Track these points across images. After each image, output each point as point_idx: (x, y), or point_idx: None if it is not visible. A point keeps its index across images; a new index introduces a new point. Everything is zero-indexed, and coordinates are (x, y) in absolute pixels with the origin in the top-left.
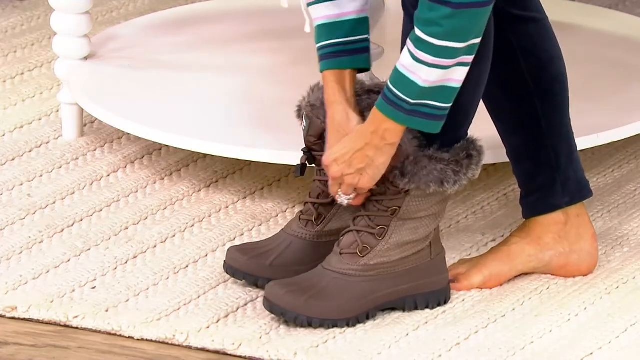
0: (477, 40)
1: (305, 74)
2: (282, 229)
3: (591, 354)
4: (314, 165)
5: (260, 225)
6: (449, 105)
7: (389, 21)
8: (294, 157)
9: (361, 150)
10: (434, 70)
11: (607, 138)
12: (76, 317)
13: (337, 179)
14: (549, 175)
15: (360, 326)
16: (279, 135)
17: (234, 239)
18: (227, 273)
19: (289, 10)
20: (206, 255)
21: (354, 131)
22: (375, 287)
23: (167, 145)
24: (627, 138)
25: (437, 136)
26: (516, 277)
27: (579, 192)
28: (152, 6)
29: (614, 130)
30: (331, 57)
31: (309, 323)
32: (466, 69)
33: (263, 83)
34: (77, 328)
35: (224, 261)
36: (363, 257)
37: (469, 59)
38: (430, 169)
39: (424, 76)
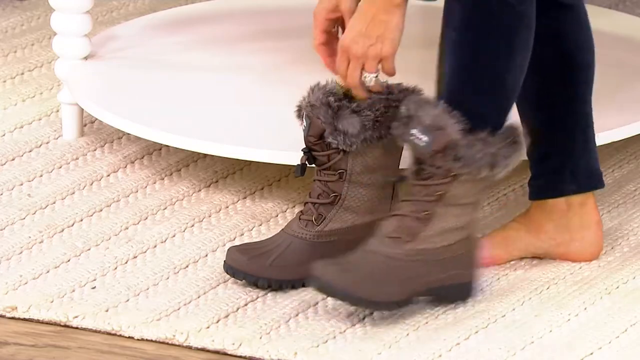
0: None
1: (305, 74)
2: (282, 229)
3: (591, 354)
4: (314, 165)
5: (261, 225)
6: None
7: None
8: (294, 157)
9: (373, 19)
10: None
11: (607, 138)
12: (76, 317)
13: (360, 57)
14: (561, 160)
15: (359, 326)
16: (279, 135)
17: (234, 239)
18: (227, 273)
19: (289, 10)
20: (206, 255)
21: (357, 10)
22: (420, 272)
23: (167, 145)
24: (627, 138)
25: (487, 119)
26: (515, 277)
27: (587, 182)
28: (152, 6)
29: (614, 130)
30: None
31: (357, 303)
32: None
33: (263, 83)
34: (77, 328)
35: (224, 261)
36: (408, 242)
37: None
38: (485, 153)
39: None
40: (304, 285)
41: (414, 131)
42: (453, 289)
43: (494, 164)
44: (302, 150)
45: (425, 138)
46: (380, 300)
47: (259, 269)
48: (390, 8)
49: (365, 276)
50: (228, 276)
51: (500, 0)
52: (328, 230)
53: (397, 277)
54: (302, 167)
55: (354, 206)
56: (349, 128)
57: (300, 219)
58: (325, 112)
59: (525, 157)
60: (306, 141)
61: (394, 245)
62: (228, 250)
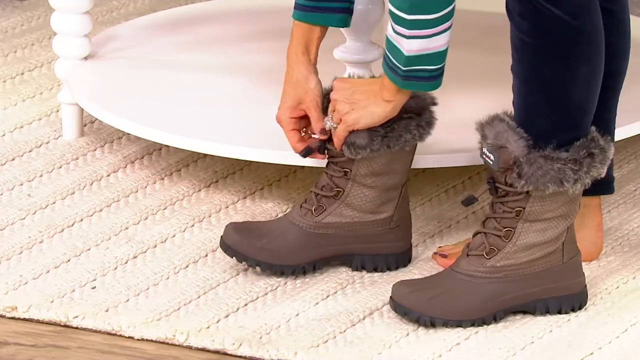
0: (450, 9)
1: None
2: (285, 214)
3: (591, 354)
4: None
5: None
6: (442, 64)
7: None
8: (293, 157)
9: (365, 92)
10: (413, 40)
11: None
12: (76, 317)
13: (334, 102)
14: None
15: (359, 326)
16: (279, 136)
17: None
18: (221, 247)
19: (288, 11)
20: (206, 255)
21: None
22: (502, 290)
23: (167, 145)
24: (626, 138)
25: (553, 135)
26: None
27: (598, 187)
28: (152, 6)
29: (614, 131)
30: (304, 9)
31: (432, 323)
32: (449, 33)
33: (263, 83)
34: (77, 328)
35: (221, 236)
36: (489, 258)
37: (448, 24)
38: (547, 169)
39: (406, 46)
40: (293, 274)
41: (484, 150)
42: (556, 302)
43: (561, 179)
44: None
45: (492, 157)
46: (456, 318)
47: (249, 249)
48: (379, 99)
49: (441, 295)
50: (228, 276)
51: (554, 18)
52: (325, 223)
53: (477, 295)
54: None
55: (355, 204)
56: (356, 140)
57: (301, 207)
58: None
59: (604, 171)
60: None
61: (477, 262)
62: (226, 226)
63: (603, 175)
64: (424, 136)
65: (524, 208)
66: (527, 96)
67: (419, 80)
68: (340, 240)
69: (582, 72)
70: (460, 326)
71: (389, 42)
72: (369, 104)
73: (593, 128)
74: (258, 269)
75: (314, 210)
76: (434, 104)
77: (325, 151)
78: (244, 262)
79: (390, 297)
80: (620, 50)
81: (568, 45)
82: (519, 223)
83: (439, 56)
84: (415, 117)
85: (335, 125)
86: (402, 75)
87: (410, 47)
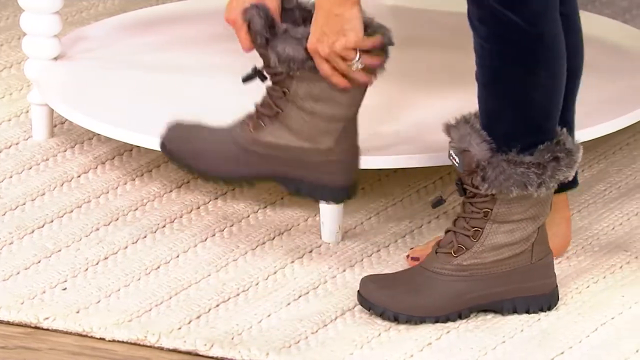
0: None
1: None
2: (226, 128)
3: (562, 353)
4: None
5: (232, 225)
6: None
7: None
8: None
9: (327, 17)
10: None
11: (576, 138)
12: (47, 318)
13: (331, 54)
14: None
15: (331, 326)
16: None
17: (206, 239)
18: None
19: None
20: (177, 256)
21: (315, 9)
22: (468, 288)
23: (138, 146)
24: (596, 138)
25: (515, 139)
26: None
27: (563, 183)
28: (122, 6)
29: (584, 131)
30: None
31: (396, 318)
32: None
33: (234, 84)
34: (47, 329)
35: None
36: (457, 257)
37: None
38: (510, 173)
39: None
40: (248, 183)
41: (451, 152)
42: (523, 302)
43: (525, 183)
44: (252, 68)
45: (457, 159)
46: (420, 315)
47: (193, 157)
48: (342, 1)
49: (407, 291)
50: (200, 277)
51: (511, 25)
52: (262, 142)
53: (443, 292)
54: (248, 76)
55: (292, 127)
56: (294, 54)
57: (242, 120)
58: (257, 14)
59: (571, 174)
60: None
61: (444, 260)
62: (168, 127)
63: (571, 178)
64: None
65: (491, 209)
66: (487, 101)
67: None
68: (272, 163)
69: (542, 78)
70: (424, 322)
71: None
72: (342, 14)
73: (563, 131)
74: (197, 177)
75: (253, 127)
76: (391, 43)
77: (265, 77)
78: (174, 162)
79: (358, 291)
80: (572, 48)
81: (526, 51)
82: (487, 224)
83: None
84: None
85: (357, 60)
86: None
87: None
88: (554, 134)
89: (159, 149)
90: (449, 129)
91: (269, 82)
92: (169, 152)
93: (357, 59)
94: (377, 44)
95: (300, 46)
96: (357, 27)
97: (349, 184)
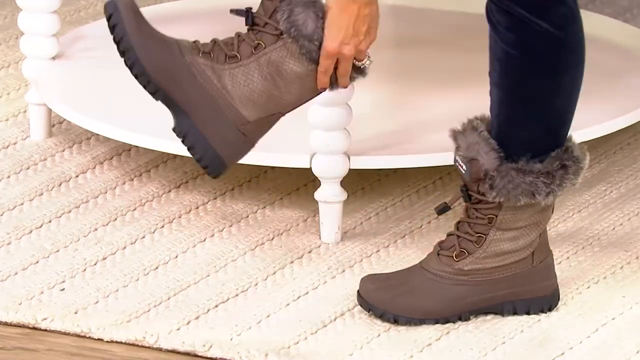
0: None
1: None
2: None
3: (562, 354)
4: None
5: (231, 226)
6: None
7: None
8: (264, 158)
9: (355, 18)
10: None
11: (577, 138)
12: (45, 319)
13: (352, 56)
14: None
15: (331, 327)
16: None
17: (204, 240)
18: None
19: None
20: (176, 257)
21: (332, 10)
22: (468, 292)
23: (136, 146)
24: (597, 138)
25: (531, 145)
26: None
27: None
28: None
29: (584, 130)
30: None
31: (395, 320)
32: None
33: None
34: (45, 330)
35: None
36: (458, 261)
37: None
38: (518, 182)
39: None
40: (154, 93)
41: (457, 158)
42: (524, 304)
43: (533, 192)
44: (246, 7)
45: (464, 167)
46: (420, 317)
47: (137, 39)
48: (369, 0)
49: (407, 292)
50: (198, 277)
51: (541, 32)
52: (201, 69)
53: (442, 295)
54: (238, 10)
55: (237, 78)
56: (302, 22)
57: (195, 41)
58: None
59: (577, 181)
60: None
61: (445, 263)
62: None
63: (577, 185)
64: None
65: (496, 216)
66: (509, 107)
67: None
68: (191, 89)
69: (564, 82)
70: (424, 324)
71: None
72: (369, 13)
73: (571, 138)
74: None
75: (202, 52)
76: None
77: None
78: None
79: (357, 291)
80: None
81: (553, 57)
82: (491, 230)
83: None
84: None
85: (368, 58)
86: None
87: None
88: (563, 142)
89: (160, 149)
90: (455, 135)
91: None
92: (118, 17)
93: (367, 57)
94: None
95: (316, 24)
96: (375, 26)
97: (226, 163)
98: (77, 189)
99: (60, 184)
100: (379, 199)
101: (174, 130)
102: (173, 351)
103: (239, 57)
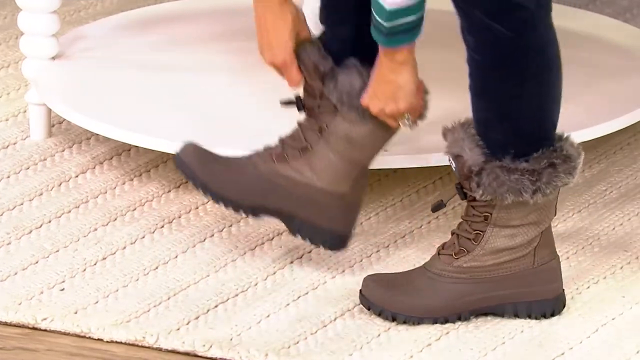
0: None
1: (275, 75)
2: (249, 157)
3: (562, 354)
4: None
5: (231, 226)
6: (421, 13)
7: None
8: None
9: (382, 81)
10: None
11: (577, 138)
12: (44, 319)
13: (380, 115)
14: None
15: (330, 327)
16: (249, 136)
17: (204, 240)
18: (177, 167)
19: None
20: (176, 257)
21: (370, 75)
22: (467, 290)
23: (136, 146)
24: (597, 138)
25: (507, 147)
26: None
27: None
28: (120, 6)
29: (584, 130)
30: None
31: (394, 318)
32: None
33: (233, 83)
34: (45, 330)
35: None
36: (457, 259)
37: None
38: (503, 180)
39: (389, 0)
40: (253, 212)
41: (448, 156)
42: (525, 306)
43: (519, 189)
44: (295, 96)
45: (453, 164)
46: (419, 315)
47: (209, 176)
48: (394, 66)
49: (407, 291)
50: (198, 277)
51: (497, 35)
52: (282, 175)
53: (442, 293)
54: (288, 101)
55: (316, 166)
56: (348, 85)
57: (264, 149)
58: (313, 50)
59: (571, 180)
60: (303, 72)
61: (445, 261)
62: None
63: (571, 184)
64: (412, 126)
65: (491, 214)
66: (478, 110)
67: (402, 34)
68: (288, 198)
69: (529, 87)
70: (422, 323)
71: (373, 1)
72: (394, 80)
73: (566, 136)
74: (206, 197)
75: (276, 157)
76: (425, 91)
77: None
78: (203, 192)
79: (360, 289)
80: None
81: (513, 61)
82: (488, 227)
83: (419, 6)
84: None
85: (407, 122)
86: (385, 32)
87: (393, 0)
88: (550, 141)
89: (160, 149)
90: (445, 132)
91: (302, 115)
92: (184, 165)
93: (406, 117)
94: (423, 109)
95: (362, 84)
96: (409, 94)
97: (347, 234)
98: (77, 189)
99: (60, 184)
100: (379, 199)
101: (289, 231)
102: (173, 351)
103: (309, 146)
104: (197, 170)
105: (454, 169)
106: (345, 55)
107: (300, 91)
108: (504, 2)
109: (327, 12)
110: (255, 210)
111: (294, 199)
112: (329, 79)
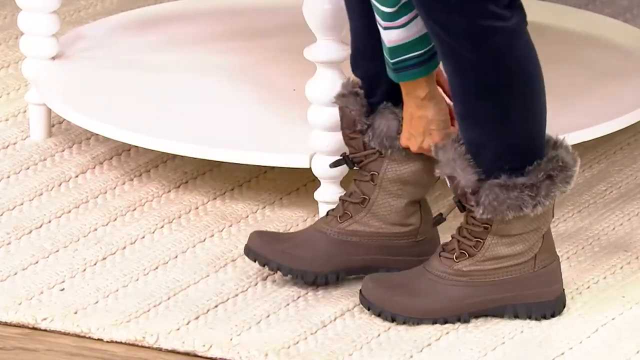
0: (402, 2)
1: (277, 74)
2: (311, 225)
3: (562, 354)
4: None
5: (231, 226)
6: (429, 47)
7: None
8: (264, 157)
9: (412, 119)
10: (390, 32)
11: (577, 138)
12: (44, 319)
13: (418, 151)
14: None
15: (330, 327)
16: (249, 136)
17: (204, 240)
18: (244, 252)
19: (259, 10)
20: (176, 257)
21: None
22: (467, 293)
23: (136, 146)
24: (597, 138)
25: (501, 164)
26: None
27: None
28: (120, 6)
29: (584, 131)
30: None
31: (393, 318)
32: (419, 19)
33: (233, 83)
34: (45, 330)
35: (246, 244)
36: (458, 262)
37: (414, 13)
38: (503, 199)
39: (386, 38)
40: (315, 281)
41: (441, 173)
42: (525, 308)
43: (520, 205)
44: (341, 155)
45: (448, 182)
46: (418, 316)
47: (270, 252)
48: (419, 102)
49: (407, 292)
50: (198, 277)
51: (474, 59)
52: (350, 230)
53: (442, 295)
54: (337, 162)
55: (380, 214)
56: (385, 128)
57: (327, 214)
58: (354, 100)
59: (568, 188)
60: (343, 135)
61: (446, 264)
62: (251, 233)
63: (568, 191)
64: None
65: (491, 225)
66: (467, 132)
67: (409, 69)
68: (364, 250)
69: (515, 104)
70: (422, 324)
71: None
72: (424, 115)
73: (561, 144)
74: (279, 273)
75: (340, 217)
76: None
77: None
78: (265, 266)
79: (359, 290)
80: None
81: (493, 83)
82: (488, 235)
83: (421, 41)
84: None
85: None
86: (392, 69)
87: (389, 38)
88: (542, 153)
89: (160, 149)
90: (437, 150)
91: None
92: (254, 253)
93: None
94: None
95: (398, 125)
96: (441, 125)
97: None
98: (77, 189)
99: (60, 184)
100: None
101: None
102: (172, 351)
103: (367, 197)
104: (267, 253)
105: (449, 186)
106: (380, 95)
107: (345, 149)
108: (482, 27)
109: (356, 57)
110: (338, 275)
111: (370, 251)
112: (366, 129)
